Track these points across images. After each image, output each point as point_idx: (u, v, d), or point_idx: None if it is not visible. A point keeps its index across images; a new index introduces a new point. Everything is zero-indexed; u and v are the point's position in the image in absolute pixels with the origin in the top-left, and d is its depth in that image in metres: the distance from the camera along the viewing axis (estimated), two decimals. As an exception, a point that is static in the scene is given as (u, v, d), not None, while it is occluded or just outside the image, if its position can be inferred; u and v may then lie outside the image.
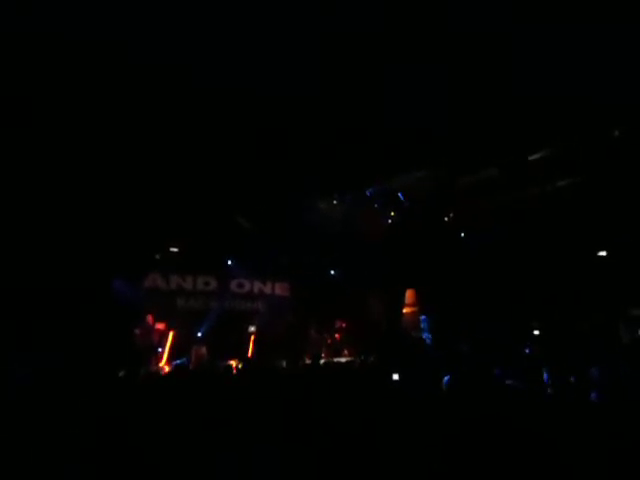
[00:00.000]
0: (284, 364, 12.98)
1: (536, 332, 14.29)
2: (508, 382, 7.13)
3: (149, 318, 12.72)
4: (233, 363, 12.29)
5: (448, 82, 7.67)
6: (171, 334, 13.03)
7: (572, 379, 6.69)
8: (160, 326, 12.99)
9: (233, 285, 15.34)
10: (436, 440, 4.07)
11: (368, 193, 14.09)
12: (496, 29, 6.59)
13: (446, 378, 7.86)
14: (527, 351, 11.86)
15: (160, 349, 12.75)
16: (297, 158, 10.52)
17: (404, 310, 15.86)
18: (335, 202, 14.36)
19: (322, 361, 13.14)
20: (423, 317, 15.27)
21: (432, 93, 7.92)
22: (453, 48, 6.92)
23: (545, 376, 6.79)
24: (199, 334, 13.94)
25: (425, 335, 14.98)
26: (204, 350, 13.15)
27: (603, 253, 14.19)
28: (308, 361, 13.32)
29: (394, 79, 7.51)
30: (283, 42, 6.66)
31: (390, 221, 14.99)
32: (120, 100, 7.50)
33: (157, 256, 13.95)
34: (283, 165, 10.85)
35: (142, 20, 6.35)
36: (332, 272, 16.29)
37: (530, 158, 12.61)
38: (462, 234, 15.32)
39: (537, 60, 7.09)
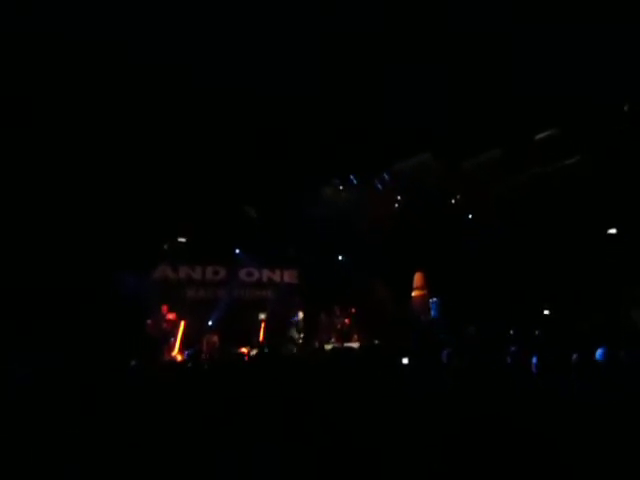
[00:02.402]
0: (294, 350, 13.13)
1: (546, 312, 14.32)
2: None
3: (163, 309, 12.86)
4: (245, 350, 12.47)
5: (448, 80, 7.58)
6: (182, 324, 13.16)
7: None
8: (171, 316, 13.12)
9: (242, 274, 15.43)
10: (438, 438, 4.12)
11: (374, 178, 14.05)
12: (496, 29, 6.49)
13: (445, 353, 7.92)
14: (537, 332, 11.89)
15: (172, 339, 12.89)
16: (300, 146, 10.49)
17: (413, 294, 15.89)
18: (341, 188, 14.34)
19: (331, 346, 13.28)
20: (433, 300, 15.28)
21: (432, 92, 7.84)
22: (453, 48, 6.83)
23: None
24: (210, 323, 14.08)
25: (435, 318, 15.03)
26: (216, 338, 13.32)
27: (613, 231, 14.08)
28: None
29: (394, 79, 7.44)
30: (283, 42, 6.60)
31: (397, 205, 14.95)
32: (121, 99, 7.48)
33: (165, 247, 14.02)
34: (287, 153, 10.83)
35: (142, 20, 6.31)
36: (340, 257, 16.32)
37: (537, 137, 12.50)
38: (469, 216, 15.26)
39: (538, 52, 6.99)
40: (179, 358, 12.41)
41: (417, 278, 15.80)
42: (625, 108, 11.52)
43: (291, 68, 7.11)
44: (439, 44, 6.76)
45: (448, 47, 6.83)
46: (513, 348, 8.85)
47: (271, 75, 7.21)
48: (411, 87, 7.70)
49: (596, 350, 7.18)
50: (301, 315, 13.90)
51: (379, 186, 14.33)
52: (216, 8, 6.01)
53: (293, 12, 6.00)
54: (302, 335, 13.92)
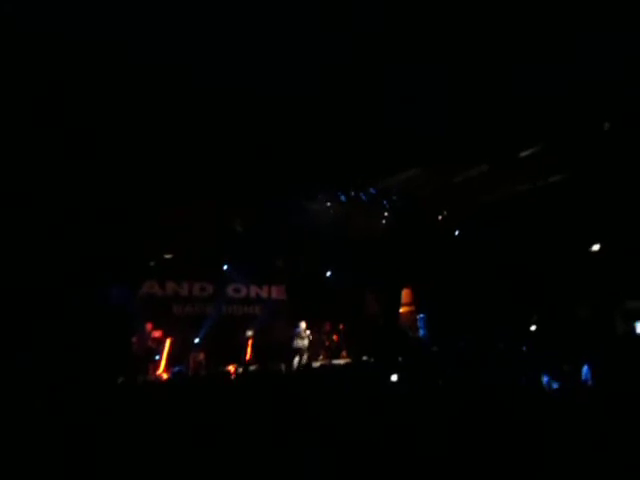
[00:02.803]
0: (283, 367, 12.94)
1: (533, 328, 14.39)
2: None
3: (148, 326, 12.61)
4: (231, 368, 12.25)
5: (448, 82, 7.70)
6: (168, 341, 12.92)
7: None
8: (157, 334, 12.88)
9: (229, 290, 15.27)
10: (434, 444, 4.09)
11: (361, 194, 14.09)
12: (496, 28, 6.65)
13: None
14: (524, 348, 11.92)
15: (158, 357, 12.62)
16: (290, 161, 10.51)
17: (401, 310, 15.88)
18: (328, 204, 14.34)
19: (319, 363, 13.14)
20: (421, 316, 15.30)
21: (432, 93, 7.95)
22: (453, 48, 6.95)
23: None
24: (196, 340, 13.85)
25: (423, 334, 15.02)
26: (202, 356, 13.11)
27: (597, 247, 14.30)
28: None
29: (394, 79, 7.53)
30: (283, 42, 6.66)
31: (384, 221, 15.00)
32: (120, 100, 7.45)
33: (152, 263, 13.81)
34: (275, 168, 10.83)
35: (142, 20, 6.31)
36: (328, 274, 16.27)
37: (522, 155, 12.70)
38: (456, 231, 15.38)
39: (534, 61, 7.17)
40: (164, 376, 12.16)
41: (405, 294, 15.82)
42: (605, 126, 11.77)
43: (291, 68, 7.16)
44: (437, 52, 6.89)
45: (444, 56, 6.97)
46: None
47: (271, 75, 7.24)
48: (411, 87, 7.79)
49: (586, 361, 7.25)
50: (303, 325, 13.65)
51: (367, 202, 14.36)
52: (216, 8, 6.06)
53: (293, 12, 6.07)
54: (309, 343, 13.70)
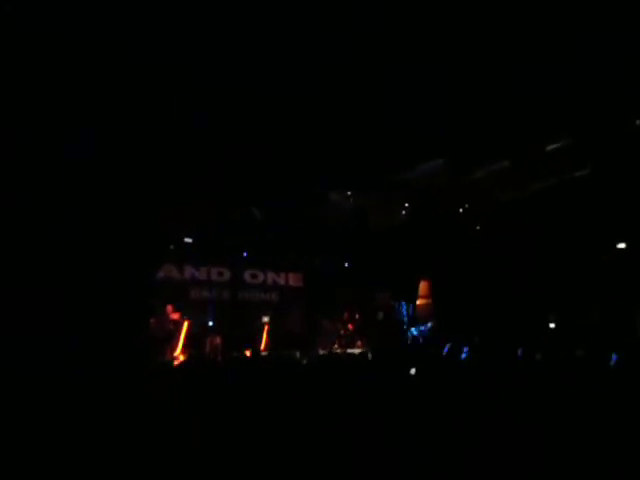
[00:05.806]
0: (298, 355, 13.08)
1: (552, 325, 14.14)
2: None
3: (169, 308, 12.87)
4: (247, 353, 12.45)
5: (449, 80, 7.55)
6: (186, 324, 13.16)
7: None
8: (175, 316, 13.14)
9: (247, 276, 15.42)
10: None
11: (382, 185, 13.98)
12: (496, 28, 6.48)
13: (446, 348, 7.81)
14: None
15: (175, 339, 12.90)
16: (310, 151, 10.49)
17: (417, 302, 15.80)
18: (349, 194, 14.30)
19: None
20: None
21: (432, 93, 7.81)
22: (453, 48, 6.81)
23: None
24: (210, 323, 14.08)
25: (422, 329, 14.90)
26: (218, 340, 13.32)
27: (622, 245, 13.90)
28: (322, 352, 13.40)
29: (394, 79, 7.42)
30: (283, 42, 6.63)
31: (404, 212, 14.88)
32: (120, 100, 7.54)
33: (171, 247, 14.05)
34: (295, 158, 10.84)
35: (142, 20, 6.37)
36: (346, 263, 16.27)
37: (548, 149, 12.38)
38: (476, 226, 15.15)
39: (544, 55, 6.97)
40: (181, 358, 12.43)
41: (422, 287, 15.72)
42: (637, 122, 11.39)
43: (291, 68, 7.13)
44: (437, 52, 6.78)
45: (444, 56, 6.85)
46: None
47: (271, 75, 7.23)
48: (411, 87, 7.69)
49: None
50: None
51: (387, 192, 14.26)
52: (216, 8, 6.07)
53: (293, 12, 6.03)
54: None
